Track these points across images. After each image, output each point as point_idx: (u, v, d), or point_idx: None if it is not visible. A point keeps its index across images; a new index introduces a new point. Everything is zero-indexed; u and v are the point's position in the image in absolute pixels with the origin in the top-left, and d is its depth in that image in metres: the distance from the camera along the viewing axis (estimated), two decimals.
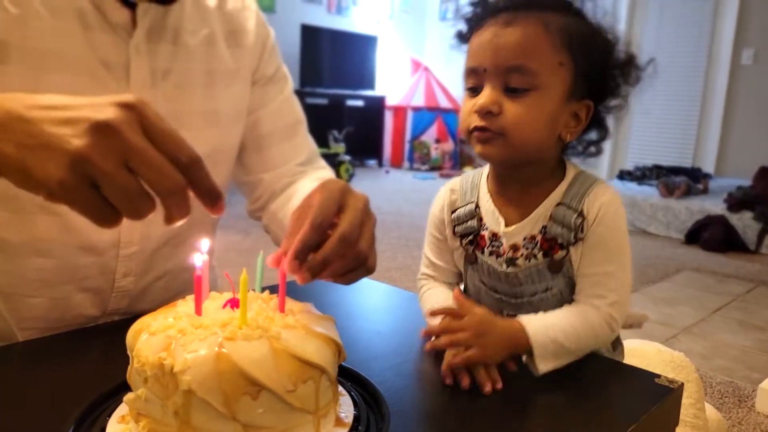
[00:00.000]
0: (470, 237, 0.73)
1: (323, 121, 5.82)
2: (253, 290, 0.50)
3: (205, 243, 0.49)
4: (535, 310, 0.67)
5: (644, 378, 0.63)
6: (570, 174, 0.70)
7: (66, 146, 0.35)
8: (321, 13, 6.35)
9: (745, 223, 3.63)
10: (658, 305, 2.55)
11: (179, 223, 0.40)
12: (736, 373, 1.92)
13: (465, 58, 0.69)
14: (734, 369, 1.96)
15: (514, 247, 0.69)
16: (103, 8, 0.65)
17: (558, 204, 0.68)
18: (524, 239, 0.69)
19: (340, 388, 0.51)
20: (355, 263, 0.50)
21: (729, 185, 4.25)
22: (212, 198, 0.42)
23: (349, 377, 0.55)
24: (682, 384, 0.61)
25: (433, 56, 7.19)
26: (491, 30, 0.65)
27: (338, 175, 5.51)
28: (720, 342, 2.19)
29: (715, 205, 3.80)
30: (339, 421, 0.47)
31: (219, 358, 0.40)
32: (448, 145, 6.73)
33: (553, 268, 0.68)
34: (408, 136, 6.75)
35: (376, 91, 6.72)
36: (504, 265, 0.70)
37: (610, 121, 0.72)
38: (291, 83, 0.89)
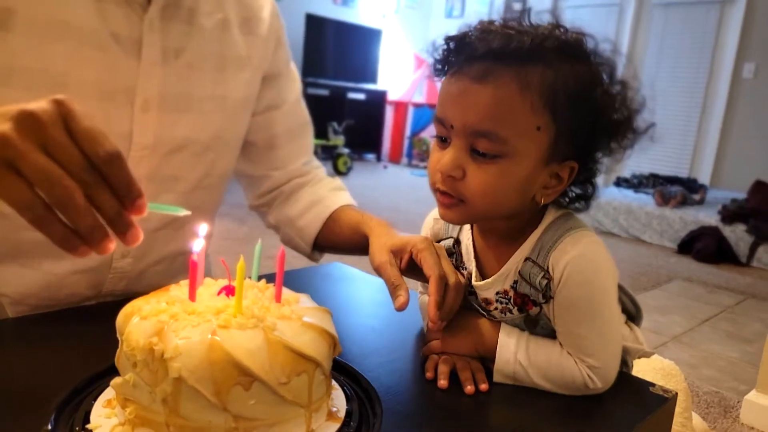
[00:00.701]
0: None
1: (324, 113, 5.79)
2: (249, 278, 0.49)
3: (203, 227, 0.48)
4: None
5: (639, 386, 0.62)
6: (546, 221, 0.62)
7: None
8: (327, 3, 6.31)
9: (738, 235, 3.64)
10: (649, 313, 2.55)
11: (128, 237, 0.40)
12: (723, 384, 1.92)
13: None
14: (721, 379, 1.96)
15: (487, 301, 0.65)
16: None
17: (526, 258, 0.61)
18: (497, 294, 0.64)
19: (334, 382, 0.50)
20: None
21: (724, 197, 4.27)
22: (130, 196, 0.41)
23: (342, 371, 0.54)
24: (677, 394, 0.61)
25: None
26: (461, 84, 0.56)
27: (336, 167, 5.54)
28: (708, 352, 2.19)
29: (709, 217, 3.81)
30: (331, 416, 0.46)
31: (211, 347, 0.39)
32: None
33: (529, 323, 0.63)
34: (408, 132, 6.73)
35: (378, 86, 6.69)
36: (481, 310, 0.66)
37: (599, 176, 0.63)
38: (300, 83, 0.91)
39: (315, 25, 5.91)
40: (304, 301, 0.48)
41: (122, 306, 0.45)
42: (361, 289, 0.88)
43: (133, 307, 0.44)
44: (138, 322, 0.41)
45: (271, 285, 0.48)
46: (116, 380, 0.42)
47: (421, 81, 6.75)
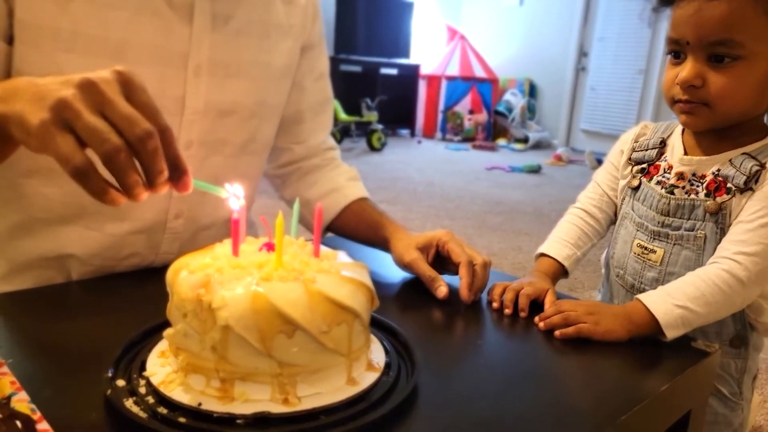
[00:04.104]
0: (643, 165, 0.78)
1: (356, 89, 5.77)
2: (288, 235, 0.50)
3: (238, 188, 0.49)
4: (671, 246, 0.72)
5: (681, 340, 0.62)
6: None
7: (53, 94, 0.40)
8: None
9: None
10: None
11: (163, 189, 0.42)
12: None
13: (668, 23, 0.69)
14: None
15: (680, 176, 0.73)
16: None
17: (743, 153, 0.69)
18: (693, 175, 0.72)
19: (372, 336, 0.52)
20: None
21: None
22: (177, 171, 0.42)
23: (380, 327, 0.55)
24: (719, 349, 0.60)
25: (470, 24, 7.02)
26: (695, 4, 0.65)
27: (370, 143, 5.54)
28: None
29: None
30: (370, 366, 0.48)
31: (255, 297, 0.41)
32: (482, 116, 6.62)
33: (710, 209, 0.69)
34: (441, 106, 6.65)
35: (411, 60, 6.62)
36: (663, 191, 0.73)
37: None
38: (327, 59, 0.93)
39: (346, 0, 5.86)
40: (342, 256, 0.50)
41: None
42: None
43: (181, 263, 0.46)
44: (186, 276, 0.43)
45: (309, 242, 0.50)
46: (168, 331, 0.44)
47: (454, 53, 6.64)
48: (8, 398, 0.40)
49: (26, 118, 0.40)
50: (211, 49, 0.71)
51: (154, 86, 0.68)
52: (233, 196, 0.47)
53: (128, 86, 0.41)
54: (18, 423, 0.35)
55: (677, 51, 0.69)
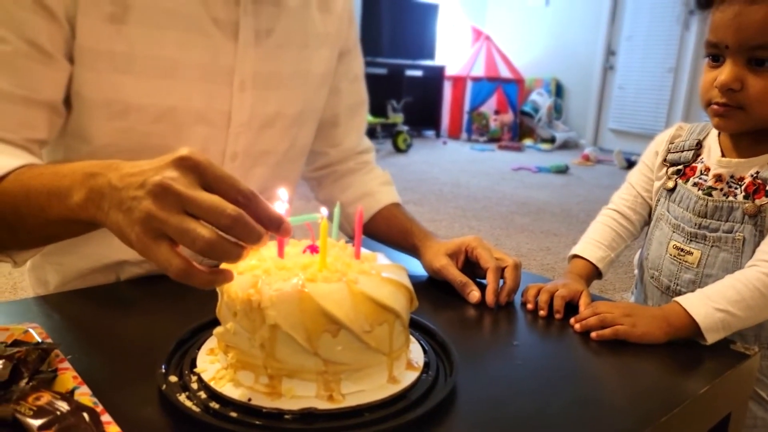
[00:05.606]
0: (678, 167, 0.78)
1: (382, 91, 5.80)
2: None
3: (283, 192, 0.51)
4: (708, 247, 0.71)
5: (719, 342, 0.62)
6: None
7: (138, 206, 0.41)
8: None
9: None
10: None
11: (266, 243, 0.42)
12: None
13: (707, 27, 0.69)
14: None
15: (718, 177, 0.73)
16: None
17: None
18: (731, 177, 0.72)
19: (411, 337, 0.53)
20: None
21: None
22: (275, 224, 0.43)
23: (418, 328, 0.57)
24: (759, 352, 0.59)
25: (495, 25, 6.98)
26: (734, 8, 0.65)
27: (395, 145, 5.55)
28: None
29: None
30: (410, 365, 0.50)
31: (302, 297, 0.43)
32: (508, 117, 6.57)
33: (748, 211, 0.69)
34: (467, 106, 6.63)
35: (436, 61, 6.61)
36: (700, 193, 0.73)
37: None
38: (362, 61, 0.94)
39: (371, 3, 5.89)
40: (381, 258, 0.51)
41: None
42: None
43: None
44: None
45: (349, 245, 0.52)
46: (218, 329, 0.46)
47: (479, 54, 6.61)
48: (71, 392, 0.42)
49: (124, 232, 0.42)
50: (255, 64, 0.73)
51: (202, 103, 0.71)
52: (278, 200, 0.49)
53: (197, 170, 0.41)
54: (85, 415, 0.37)
55: (716, 54, 0.69)
